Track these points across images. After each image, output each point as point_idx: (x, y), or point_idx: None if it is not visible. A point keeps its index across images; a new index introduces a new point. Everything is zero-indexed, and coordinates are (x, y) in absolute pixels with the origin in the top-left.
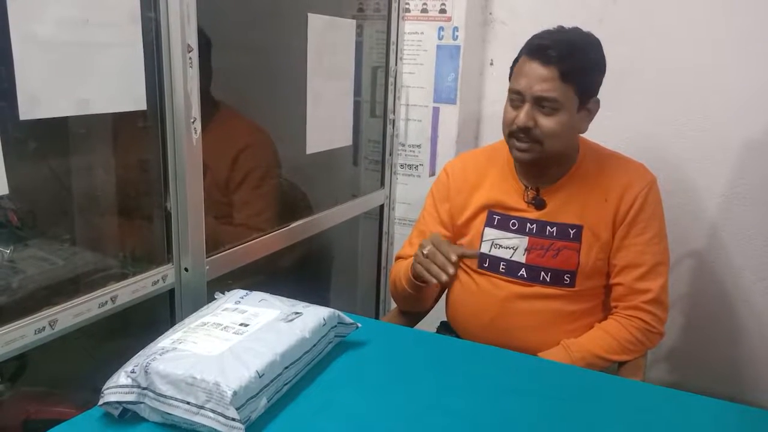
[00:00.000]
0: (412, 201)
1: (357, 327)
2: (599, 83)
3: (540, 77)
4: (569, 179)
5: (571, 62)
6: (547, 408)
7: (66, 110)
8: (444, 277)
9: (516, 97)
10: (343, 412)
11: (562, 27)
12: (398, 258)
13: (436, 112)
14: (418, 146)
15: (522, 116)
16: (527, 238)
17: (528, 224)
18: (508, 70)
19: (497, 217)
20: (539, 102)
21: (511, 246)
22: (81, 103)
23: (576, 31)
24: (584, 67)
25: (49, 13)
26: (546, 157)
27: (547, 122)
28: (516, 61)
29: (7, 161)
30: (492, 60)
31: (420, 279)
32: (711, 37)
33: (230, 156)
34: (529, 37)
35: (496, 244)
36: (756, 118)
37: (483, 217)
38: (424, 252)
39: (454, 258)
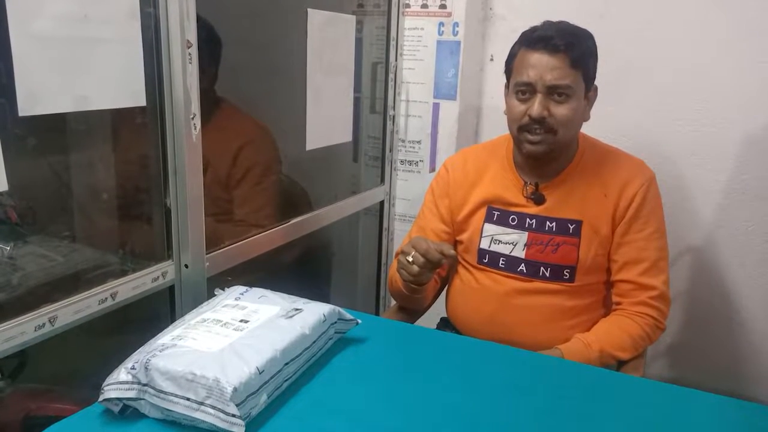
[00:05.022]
0: (412, 197)
1: (357, 323)
2: (596, 70)
3: (550, 66)
4: (568, 174)
5: (578, 49)
6: (547, 404)
7: (65, 106)
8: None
9: (526, 89)
10: (343, 409)
11: (550, 21)
12: (399, 254)
13: (436, 108)
14: (418, 142)
15: (537, 107)
16: (527, 233)
17: (527, 219)
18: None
19: (497, 213)
20: (552, 91)
21: (511, 241)
22: (80, 100)
23: (566, 23)
24: (587, 53)
25: (48, 8)
26: (556, 147)
27: (560, 110)
28: (513, 55)
29: (6, 158)
30: (492, 56)
31: (414, 282)
32: (711, 32)
33: (231, 152)
34: (522, 32)
35: (495, 240)
36: (756, 113)
37: (482, 212)
38: (409, 259)
39: (445, 262)
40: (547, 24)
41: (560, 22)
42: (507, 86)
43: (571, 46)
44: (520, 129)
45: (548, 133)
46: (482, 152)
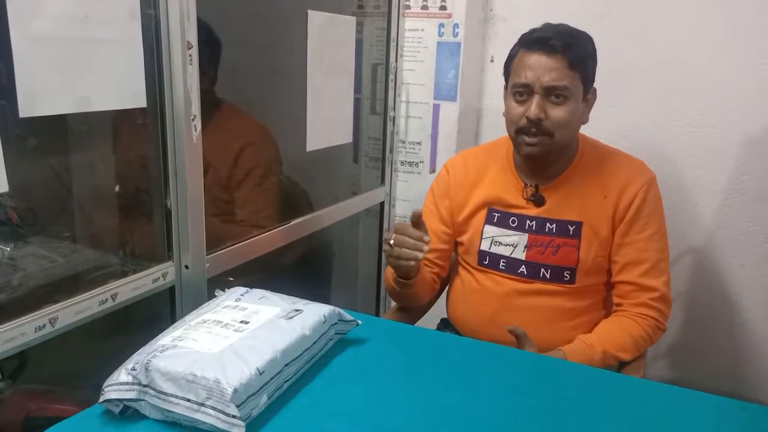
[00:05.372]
0: (412, 198)
1: (357, 324)
2: (595, 72)
3: (548, 67)
4: (568, 176)
5: (577, 50)
6: (548, 405)
7: (66, 107)
8: (420, 255)
9: (523, 91)
10: (343, 409)
11: (550, 23)
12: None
13: (436, 109)
14: (419, 143)
15: (534, 108)
16: (527, 235)
17: (527, 221)
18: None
19: (497, 215)
20: (549, 92)
21: (511, 243)
22: (81, 101)
23: (566, 25)
24: (586, 55)
25: (49, 9)
26: (554, 150)
27: (557, 112)
28: (511, 57)
29: (6, 159)
30: (492, 57)
31: (402, 274)
32: (711, 33)
33: (232, 153)
34: (521, 35)
35: (496, 242)
36: (756, 113)
37: (483, 214)
38: (391, 242)
39: (426, 238)
40: (546, 26)
41: (559, 25)
42: (506, 88)
43: (569, 47)
44: (518, 131)
45: (545, 135)
46: (482, 154)
